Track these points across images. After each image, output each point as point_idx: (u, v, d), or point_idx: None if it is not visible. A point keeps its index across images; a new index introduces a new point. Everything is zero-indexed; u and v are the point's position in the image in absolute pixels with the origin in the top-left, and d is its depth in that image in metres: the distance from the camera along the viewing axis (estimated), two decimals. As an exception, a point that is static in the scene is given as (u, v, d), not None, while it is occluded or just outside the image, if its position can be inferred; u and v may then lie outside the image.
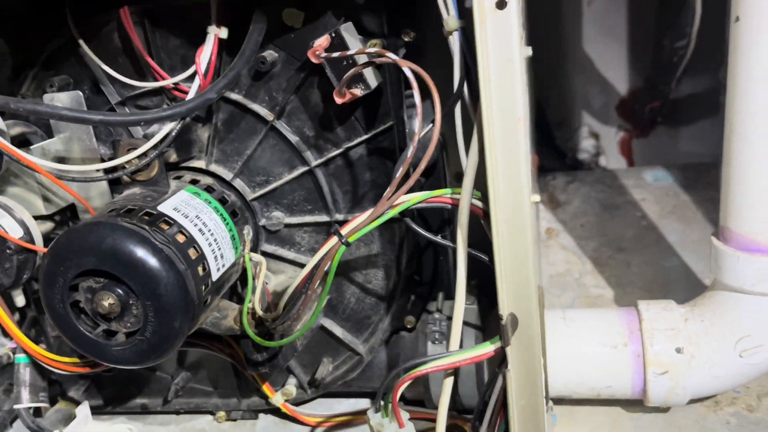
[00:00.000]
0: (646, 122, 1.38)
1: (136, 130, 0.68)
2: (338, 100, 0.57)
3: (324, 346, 0.75)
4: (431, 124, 0.52)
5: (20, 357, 0.75)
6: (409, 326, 0.73)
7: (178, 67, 0.67)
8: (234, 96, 0.67)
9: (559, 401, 0.73)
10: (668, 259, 1.01)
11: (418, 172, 0.50)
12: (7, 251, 0.64)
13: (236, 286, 0.72)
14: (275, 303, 0.64)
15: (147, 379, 0.81)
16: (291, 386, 0.75)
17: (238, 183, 0.69)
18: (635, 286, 0.97)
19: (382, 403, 0.57)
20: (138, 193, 0.63)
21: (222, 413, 0.80)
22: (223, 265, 0.63)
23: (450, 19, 0.51)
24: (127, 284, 0.57)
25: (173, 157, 0.68)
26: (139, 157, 0.62)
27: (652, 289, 0.95)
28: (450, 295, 0.74)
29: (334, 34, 0.56)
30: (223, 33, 0.62)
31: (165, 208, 0.61)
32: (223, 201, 0.67)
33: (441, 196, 0.53)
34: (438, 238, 0.57)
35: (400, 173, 0.52)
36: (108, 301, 0.57)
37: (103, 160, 0.69)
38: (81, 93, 0.67)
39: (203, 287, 0.60)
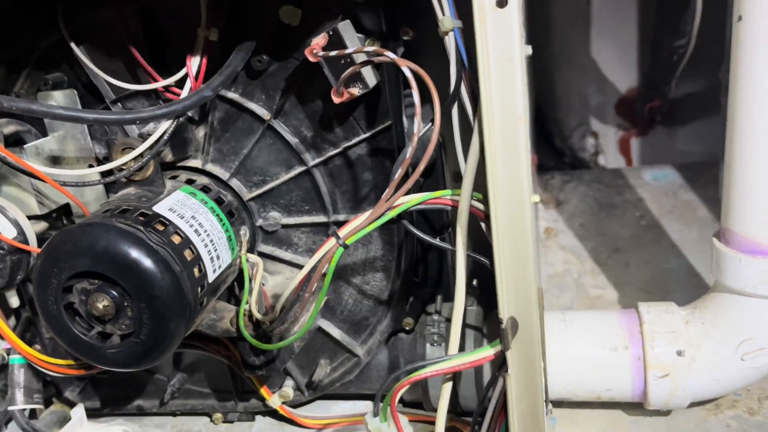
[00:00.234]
0: (646, 121, 1.37)
1: (131, 129, 0.68)
2: (336, 100, 0.56)
3: (321, 348, 0.75)
4: (430, 124, 0.51)
5: (14, 358, 0.74)
6: (407, 328, 0.72)
7: (174, 66, 0.66)
8: (230, 94, 0.66)
9: (558, 404, 0.72)
10: (667, 259, 1.01)
11: (418, 173, 0.50)
12: (0, 251, 0.64)
13: (233, 287, 0.71)
14: (272, 305, 0.63)
15: (143, 380, 0.80)
16: (288, 388, 0.75)
17: (235, 183, 0.69)
18: (634, 286, 0.96)
19: (380, 407, 0.56)
20: (133, 193, 0.63)
21: (218, 415, 0.79)
22: (220, 267, 0.63)
23: (445, 19, 0.50)
24: (121, 286, 0.56)
25: (169, 156, 0.67)
26: (135, 158, 0.61)
27: (651, 289, 0.95)
28: (448, 297, 0.73)
29: (331, 32, 0.55)
30: (214, 35, 0.61)
31: (160, 208, 0.60)
32: (219, 201, 0.66)
33: (441, 197, 0.52)
34: (436, 241, 0.56)
35: (399, 174, 0.51)
36: (102, 303, 0.56)
37: (98, 159, 0.69)
38: (75, 91, 0.66)
39: (199, 289, 0.60)
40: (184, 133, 0.67)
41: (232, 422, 0.80)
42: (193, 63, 0.63)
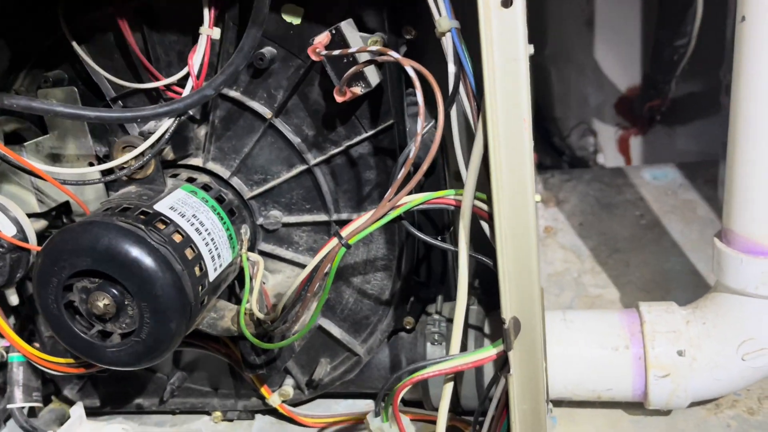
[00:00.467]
0: (645, 120, 1.37)
1: (131, 128, 0.67)
2: (339, 99, 0.56)
3: (322, 347, 0.74)
4: (432, 122, 0.51)
5: (13, 356, 0.74)
6: (408, 327, 0.72)
7: (175, 64, 0.66)
8: (232, 93, 0.65)
9: (558, 403, 0.72)
10: (667, 258, 1.01)
11: (421, 173, 0.49)
12: (0, 249, 0.63)
13: (234, 286, 0.71)
14: (273, 303, 0.63)
15: (143, 378, 0.80)
16: (288, 387, 0.74)
17: (236, 181, 0.68)
18: (634, 285, 0.96)
19: (382, 406, 0.56)
20: (134, 191, 0.62)
21: (218, 413, 0.79)
22: (221, 265, 0.63)
23: (442, 20, 0.50)
24: (122, 285, 0.56)
25: (170, 155, 0.67)
26: (136, 157, 0.61)
27: (651, 288, 0.95)
28: (449, 297, 0.73)
29: (334, 31, 0.55)
30: (216, 33, 0.61)
31: (161, 207, 0.60)
32: (220, 200, 0.66)
33: (443, 197, 0.52)
34: (437, 242, 0.56)
35: (401, 174, 0.51)
36: (103, 302, 0.56)
37: (98, 157, 0.68)
38: (75, 89, 0.65)
39: (200, 288, 0.59)
40: (185, 132, 0.67)
41: (231, 421, 0.80)
42: (195, 61, 0.62)
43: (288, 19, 0.62)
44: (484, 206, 0.51)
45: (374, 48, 0.52)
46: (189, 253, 0.59)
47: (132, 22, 0.64)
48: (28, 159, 0.63)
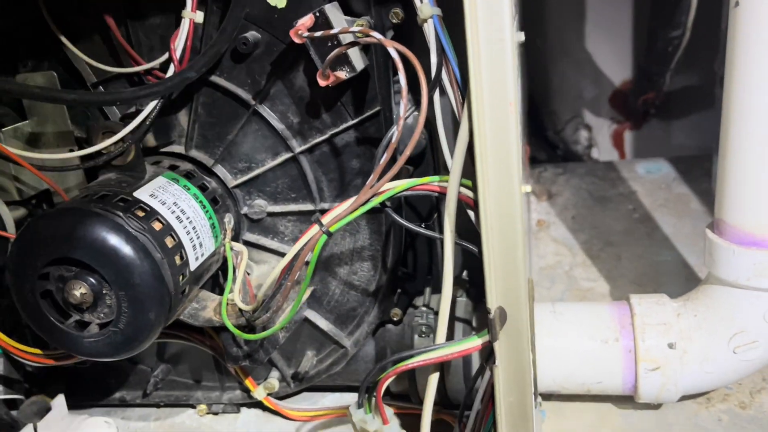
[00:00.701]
0: (639, 114, 1.36)
1: (113, 113, 0.66)
2: (321, 83, 0.54)
3: (308, 339, 0.73)
4: (414, 107, 0.50)
5: (-7, 348, 0.72)
6: (395, 319, 0.71)
7: (157, 48, 0.64)
8: (215, 79, 0.64)
9: (547, 397, 0.71)
10: (660, 252, 1.00)
11: (404, 159, 0.48)
12: (-24, 238, 0.62)
13: (218, 276, 0.70)
14: (257, 294, 0.61)
15: (126, 371, 0.78)
16: (273, 380, 0.73)
17: (219, 169, 0.67)
18: (626, 279, 0.95)
19: (365, 397, 0.55)
20: (113, 178, 0.61)
21: (203, 406, 0.78)
22: (202, 254, 0.61)
23: (424, 6, 0.49)
24: (99, 273, 0.54)
25: (151, 141, 0.65)
26: (116, 143, 0.60)
27: (643, 282, 0.94)
28: (437, 289, 0.72)
29: (318, 14, 0.54)
30: (199, 17, 0.60)
31: (141, 194, 0.58)
32: (203, 188, 0.65)
33: (428, 183, 0.51)
34: (422, 229, 0.54)
35: (384, 159, 0.49)
36: (80, 291, 0.54)
37: (78, 143, 0.67)
38: (54, 74, 0.64)
39: (180, 277, 0.58)
40: (167, 118, 0.66)
41: (216, 414, 0.78)
42: (177, 46, 0.61)
43: (272, 2, 0.60)
44: (470, 193, 0.50)
45: (357, 29, 0.51)
46: (169, 242, 0.57)
47: (113, 5, 0.63)
48: (6, 145, 0.61)
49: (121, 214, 0.55)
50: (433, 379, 0.56)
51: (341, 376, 0.74)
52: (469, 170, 0.48)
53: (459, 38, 0.45)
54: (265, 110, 0.64)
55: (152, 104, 0.60)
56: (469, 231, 0.54)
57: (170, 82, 0.58)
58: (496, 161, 0.45)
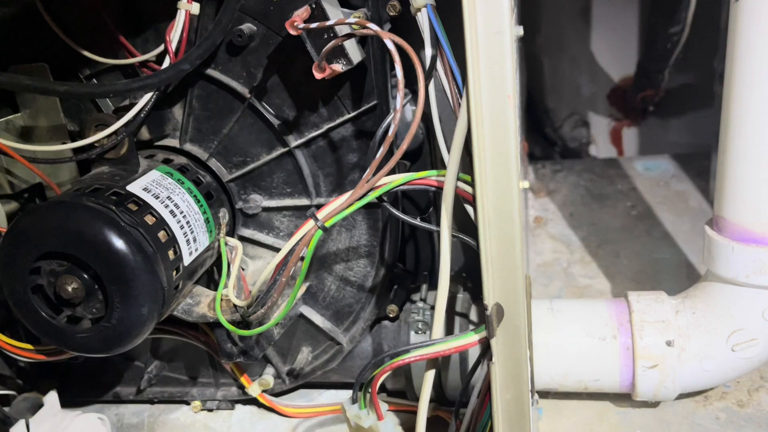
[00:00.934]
0: (638, 111, 1.36)
1: (106, 106, 0.65)
2: (318, 75, 0.54)
3: (303, 335, 0.73)
4: (410, 97, 0.49)
5: (-16, 343, 0.72)
6: (391, 315, 0.70)
7: (152, 40, 0.64)
8: (210, 71, 0.63)
9: (545, 394, 0.71)
10: (658, 249, 0.99)
11: (400, 152, 0.47)
12: (-32, 232, 0.61)
13: (212, 272, 0.69)
14: (251, 290, 0.61)
15: (119, 367, 0.78)
16: (268, 376, 0.73)
17: (214, 163, 0.66)
18: (624, 276, 0.95)
19: (359, 393, 0.54)
20: (106, 171, 0.60)
21: (197, 403, 0.77)
22: (196, 249, 0.60)
23: None
24: (92, 268, 0.53)
25: (146, 135, 0.65)
26: (109, 135, 0.59)
27: (641, 279, 0.93)
28: (435, 285, 0.71)
29: (314, 5, 0.53)
30: (195, 8, 0.59)
31: (134, 188, 0.58)
32: (197, 182, 0.64)
33: (425, 178, 0.50)
34: (418, 222, 0.54)
35: (380, 153, 0.49)
36: (71, 286, 0.54)
37: (71, 136, 0.66)
38: (47, 65, 0.63)
39: (174, 272, 0.57)
40: (161, 111, 0.65)
41: (211, 410, 0.78)
42: (173, 38, 0.60)
43: (268, -6, 0.59)
44: (468, 188, 0.49)
45: (353, 20, 0.50)
46: (162, 236, 0.57)
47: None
48: (-2, 138, 0.60)
49: (113, 208, 0.54)
50: (429, 375, 0.55)
51: (337, 372, 0.74)
52: (467, 164, 0.48)
53: (457, 29, 0.45)
54: (260, 104, 0.64)
55: (146, 97, 0.59)
56: (466, 225, 0.53)
57: (165, 75, 0.58)
58: (494, 155, 0.45)
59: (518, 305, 0.48)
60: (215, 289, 0.65)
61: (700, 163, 1.17)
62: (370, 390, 0.53)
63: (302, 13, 0.53)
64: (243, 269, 0.68)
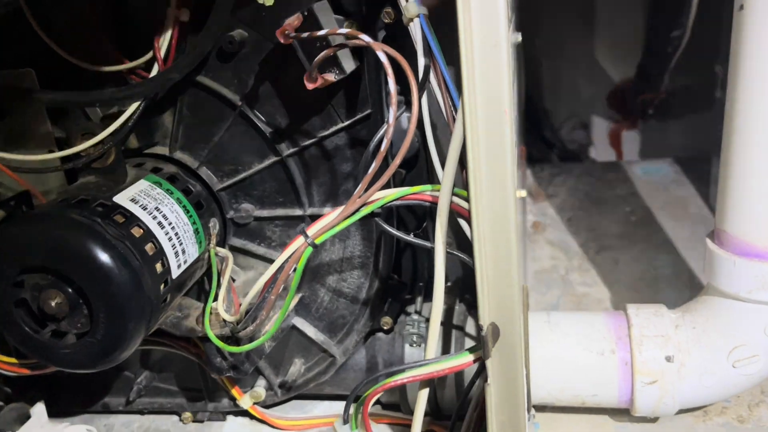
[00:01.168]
0: (637, 114, 1.34)
1: (93, 112, 0.63)
2: (309, 86, 0.52)
3: (296, 347, 0.71)
4: (404, 108, 0.47)
5: (-30, 354, 0.70)
6: (386, 327, 0.69)
7: (140, 47, 0.62)
8: (200, 78, 0.61)
9: (541, 408, 0.69)
10: (657, 256, 0.98)
11: (393, 167, 0.46)
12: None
13: (203, 281, 0.68)
14: (241, 302, 0.59)
15: (108, 377, 0.76)
16: (260, 388, 0.71)
17: (205, 172, 0.65)
18: (623, 284, 0.93)
19: (351, 414, 0.53)
20: (93, 181, 0.59)
21: (188, 414, 0.76)
22: (185, 261, 0.59)
23: (409, 5, 0.47)
24: (75, 282, 0.52)
25: (134, 142, 0.63)
26: (95, 145, 0.57)
27: (639, 288, 0.92)
28: (430, 296, 0.70)
29: (306, 13, 0.51)
30: (184, 15, 0.57)
31: (121, 199, 0.56)
32: (187, 191, 0.62)
33: (420, 192, 0.49)
34: (413, 239, 0.52)
35: (372, 169, 0.47)
36: (55, 301, 0.52)
37: (58, 144, 0.64)
38: (33, 71, 0.61)
39: (161, 285, 0.56)
40: (151, 119, 0.63)
41: (202, 422, 0.76)
42: (162, 45, 0.59)
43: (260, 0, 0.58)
44: (463, 203, 0.48)
45: (344, 31, 0.49)
46: (150, 249, 0.55)
47: (96, 1, 0.60)
48: (-18, 146, 0.59)
49: (99, 220, 0.53)
50: (423, 393, 0.54)
51: (330, 385, 0.72)
52: (463, 179, 0.46)
53: (452, 40, 0.43)
54: (251, 111, 0.62)
55: (134, 106, 0.58)
56: (462, 239, 0.52)
57: (153, 83, 0.56)
58: (490, 171, 0.43)
59: (515, 325, 0.46)
60: (205, 299, 0.64)
61: (700, 168, 1.16)
62: (362, 411, 0.52)
63: (294, 21, 0.51)
64: (234, 280, 0.67)
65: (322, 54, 0.50)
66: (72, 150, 0.57)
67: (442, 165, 0.47)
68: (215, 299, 0.59)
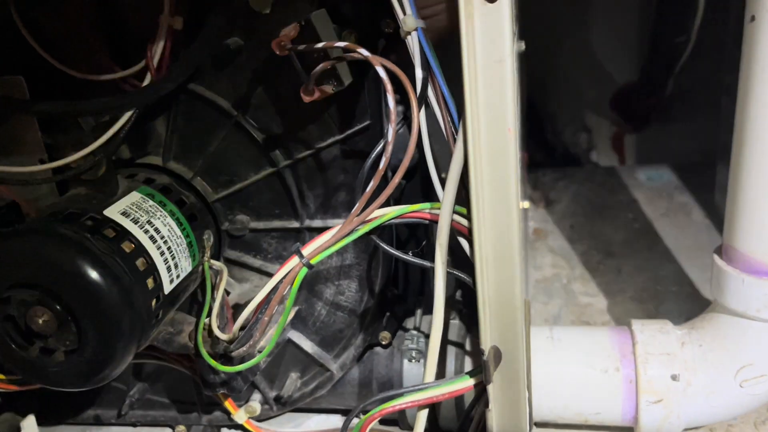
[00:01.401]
0: (641, 118, 1.32)
1: (85, 122, 0.62)
2: (306, 99, 0.50)
3: (292, 361, 0.69)
4: (403, 123, 0.46)
5: (-41, 366, 0.68)
6: (384, 342, 0.67)
7: (133, 55, 0.60)
8: (195, 87, 0.60)
9: (543, 425, 0.68)
10: (661, 265, 0.96)
11: (392, 186, 0.44)
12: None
13: (196, 294, 0.66)
14: (235, 318, 0.58)
15: (101, 388, 0.75)
16: (255, 403, 0.70)
17: (199, 182, 0.63)
18: (626, 294, 0.92)
19: (349, 435, 0.52)
20: (83, 194, 0.57)
21: (181, 427, 0.74)
22: (178, 276, 0.57)
23: (407, 18, 0.45)
24: (63, 299, 0.50)
25: (126, 152, 0.61)
26: (86, 156, 0.56)
27: (643, 298, 0.90)
28: (429, 310, 0.68)
29: (303, 23, 0.50)
30: (178, 23, 0.55)
31: (112, 212, 0.54)
32: (180, 203, 0.61)
33: (419, 211, 0.47)
34: (412, 258, 0.51)
35: (370, 188, 0.46)
36: (42, 318, 0.50)
37: (49, 154, 0.63)
38: (23, 79, 0.59)
39: (153, 301, 0.54)
40: (143, 128, 0.62)
41: (196, 435, 0.75)
42: (155, 53, 0.57)
43: (256, 7, 0.56)
44: (464, 221, 0.46)
45: (342, 44, 0.47)
46: (141, 264, 0.53)
47: (88, 9, 0.58)
48: (-31, 156, 0.57)
49: (88, 235, 0.51)
50: (422, 414, 0.52)
51: (326, 399, 0.71)
52: (464, 197, 0.45)
53: (455, 56, 0.41)
54: (247, 121, 0.60)
55: (126, 116, 0.56)
56: (458, 256, 0.50)
57: (145, 93, 0.54)
58: (492, 191, 0.42)
59: (518, 349, 0.45)
60: (198, 312, 0.62)
61: (704, 174, 1.14)
62: (358, 434, 0.50)
63: (290, 31, 0.49)
64: (229, 293, 0.65)
65: (320, 66, 0.48)
66: (61, 162, 0.55)
67: (441, 181, 0.45)
68: (209, 314, 0.57)
